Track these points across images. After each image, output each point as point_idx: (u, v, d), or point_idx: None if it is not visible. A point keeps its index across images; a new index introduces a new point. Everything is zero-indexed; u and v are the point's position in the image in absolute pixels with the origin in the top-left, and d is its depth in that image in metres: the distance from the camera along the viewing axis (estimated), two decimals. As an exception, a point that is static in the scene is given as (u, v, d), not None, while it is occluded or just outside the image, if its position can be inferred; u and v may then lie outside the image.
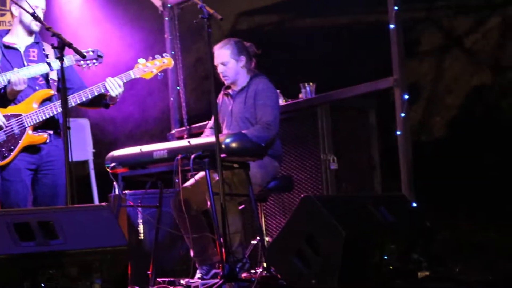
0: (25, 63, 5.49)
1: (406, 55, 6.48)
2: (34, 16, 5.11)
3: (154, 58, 5.77)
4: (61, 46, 4.91)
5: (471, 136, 7.48)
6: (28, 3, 5.25)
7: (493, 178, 7.12)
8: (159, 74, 5.77)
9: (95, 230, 4.23)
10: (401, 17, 6.40)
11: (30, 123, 5.41)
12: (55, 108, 5.40)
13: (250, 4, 9.48)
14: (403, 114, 6.26)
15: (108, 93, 5.57)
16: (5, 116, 5.35)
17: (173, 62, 5.90)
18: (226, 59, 6.23)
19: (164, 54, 5.86)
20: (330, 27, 8.80)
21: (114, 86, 5.54)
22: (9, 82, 5.30)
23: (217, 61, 6.24)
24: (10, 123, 5.36)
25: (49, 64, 5.39)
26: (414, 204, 6.13)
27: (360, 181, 6.80)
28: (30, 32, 5.60)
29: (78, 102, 5.48)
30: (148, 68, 5.73)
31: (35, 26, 5.54)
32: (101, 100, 5.66)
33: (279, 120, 6.12)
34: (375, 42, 7.76)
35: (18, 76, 5.30)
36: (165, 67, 5.79)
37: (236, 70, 6.24)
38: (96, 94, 5.54)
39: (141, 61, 5.74)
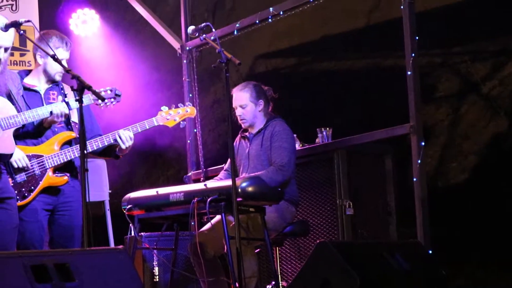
0: (45, 105, 5.53)
1: (422, 100, 6.50)
2: (54, 58, 5.15)
3: (177, 107, 5.81)
4: (81, 89, 4.92)
5: (488, 182, 7.46)
6: (53, 49, 5.29)
7: (510, 224, 7.08)
8: (181, 122, 5.81)
9: (111, 273, 4.23)
10: (418, 64, 6.43)
11: (51, 164, 5.44)
12: (77, 151, 5.44)
13: (268, 47, 9.54)
14: (419, 161, 6.26)
15: (118, 145, 5.62)
16: (26, 156, 5.39)
17: (195, 111, 5.95)
18: (244, 102, 6.25)
19: (187, 103, 5.90)
20: (347, 71, 8.83)
21: (126, 139, 5.59)
22: (51, 113, 5.34)
23: (235, 103, 6.27)
24: (31, 163, 5.40)
25: (67, 103, 5.43)
26: (430, 252, 6.10)
27: (376, 227, 6.79)
28: (52, 81, 5.66)
29: (90, 150, 5.52)
30: (171, 116, 5.77)
31: (58, 77, 5.61)
32: (112, 151, 5.70)
33: (294, 162, 6.13)
34: (392, 86, 7.78)
35: (60, 108, 5.36)
36: (187, 116, 5.85)
37: (254, 114, 6.27)
38: (106, 144, 5.59)
39: (164, 108, 5.78)
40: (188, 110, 5.85)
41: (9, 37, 4.96)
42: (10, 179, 5.31)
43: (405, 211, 6.73)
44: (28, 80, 5.65)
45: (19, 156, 5.34)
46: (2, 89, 5.10)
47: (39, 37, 5.63)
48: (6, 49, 4.97)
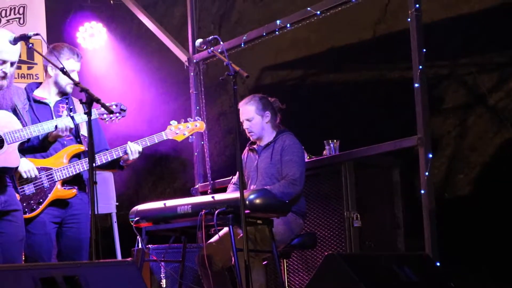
0: (54, 118, 5.54)
1: (429, 112, 6.50)
2: (63, 71, 5.16)
3: (186, 121, 5.82)
4: (89, 102, 4.93)
5: (495, 194, 7.45)
6: (62, 63, 5.29)
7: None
8: (190, 137, 5.82)
9: (120, 286, 4.23)
10: (425, 76, 6.44)
11: (60, 177, 5.45)
12: (86, 164, 5.45)
13: (274, 59, 9.55)
14: (427, 173, 6.25)
15: (125, 156, 5.62)
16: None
17: (205, 126, 5.96)
18: (251, 115, 6.27)
19: (196, 118, 5.92)
20: (353, 83, 8.84)
21: (135, 152, 5.60)
22: (56, 127, 5.35)
23: (242, 117, 6.28)
24: (40, 176, 5.41)
25: (72, 117, 5.44)
26: (438, 264, 6.09)
27: (383, 239, 6.78)
28: (63, 93, 5.68)
29: (98, 163, 5.53)
30: (180, 130, 5.78)
31: (70, 88, 5.62)
32: (116, 163, 5.71)
33: (304, 176, 6.14)
34: (399, 98, 7.78)
35: (65, 123, 5.37)
36: (197, 131, 5.85)
37: (262, 126, 6.28)
38: (115, 157, 5.60)
39: (173, 123, 5.79)
40: (197, 125, 5.85)
41: (16, 52, 4.97)
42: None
43: (413, 223, 6.73)
44: (39, 93, 5.67)
45: (29, 167, 5.35)
46: (8, 103, 5.11)
47: (50, 50, 5.65)
48: (12, 64, 4.99)
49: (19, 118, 5.23)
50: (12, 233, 5.02)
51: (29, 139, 5.31)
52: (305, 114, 8.68)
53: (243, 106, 6.32)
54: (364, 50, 8.71)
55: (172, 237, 6.13)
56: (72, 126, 5.40)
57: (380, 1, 8.54)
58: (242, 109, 6.30)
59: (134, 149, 5.60)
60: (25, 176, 5.34)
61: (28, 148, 5.43)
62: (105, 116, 5.52)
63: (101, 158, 5.55)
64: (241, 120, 6.28)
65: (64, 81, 5.56)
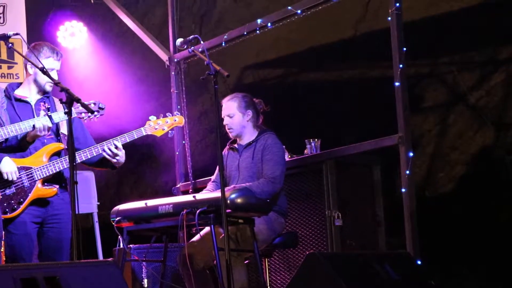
0: (35, 116, 5.53)
1: (410, 110, 6.52)
2: (43, 71, 5.15)
3: (165, 116, 5.81)
4: (70, 101, 4.93)
5: (475, 192, 7.48)
6: (42, 63, 5.27)
7: (498, 234, 7.10)
8: (170, 131, 5.81)
9: (101, 286, 4.23)
10: (406, 75, 6.45)
11: (40, 176, 5.44)
12: (65, 162, 5.43)
13: (255, 58, 9.55)
14: (408, 172, 6.27)
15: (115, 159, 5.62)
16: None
17: (184, 120, 5.95)
18: (232, 111, 6.27)
19: (175, 112, 5.91)
20: (334, 81, 8.85)
21: (112, 151, 5.58)
22: (33, 127, 5.33)
23: (223, 113, 6.29)
24: (20, 175, 5.39)
25: (50, 117, 5.42)
26: (419, 262, 6.11)
27: (365, 238, 6.80)
28: (43, 92, 5.66)
29: (78, 161, 5.50)
30: (159, 125, 5.77)
31: (49, 87, 5.60)
32: (108, 162, 5.69)
33: (284, 175, 6.14)
34: (379, 96, 7.80)
35: (43, 122, 5.34)
36: (176, 125, 5.84)
37: (242, 124, 6.28)
38: (95, 154, 5.58)
39: (152, 118, 5.78)
40: (176, 119, 5.85)
41: None
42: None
43: (394, 221, 6.74)
44: (19, 92, 5.65)
45: (11, 169, 5.33)
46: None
47: (29, 49, 5.62)
48: None
49: None
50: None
51: (6, 139, 5.29)
52: (286, 113, 8.68)
53: (226, 102, 6.33)
54: (345, 49, 8.73)
55: (154, 236, 6.12)
56: (50, 125, 5.39)
57: (361, 0, 8.55)
58: (224, 105, 6.32)
59: (110, 148, 5.58)
60: (5, 177, 5.32)
61: (7, 148, 5.41)
62: (83, 114, 5.52)
63: (81, 156, 5.54)
64: (222, 116, 6.28)
65: (43, 79, 5.54)
